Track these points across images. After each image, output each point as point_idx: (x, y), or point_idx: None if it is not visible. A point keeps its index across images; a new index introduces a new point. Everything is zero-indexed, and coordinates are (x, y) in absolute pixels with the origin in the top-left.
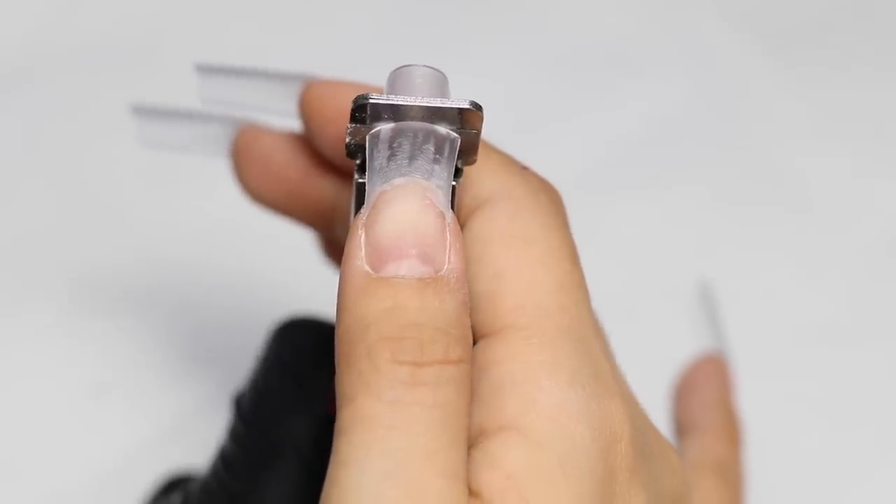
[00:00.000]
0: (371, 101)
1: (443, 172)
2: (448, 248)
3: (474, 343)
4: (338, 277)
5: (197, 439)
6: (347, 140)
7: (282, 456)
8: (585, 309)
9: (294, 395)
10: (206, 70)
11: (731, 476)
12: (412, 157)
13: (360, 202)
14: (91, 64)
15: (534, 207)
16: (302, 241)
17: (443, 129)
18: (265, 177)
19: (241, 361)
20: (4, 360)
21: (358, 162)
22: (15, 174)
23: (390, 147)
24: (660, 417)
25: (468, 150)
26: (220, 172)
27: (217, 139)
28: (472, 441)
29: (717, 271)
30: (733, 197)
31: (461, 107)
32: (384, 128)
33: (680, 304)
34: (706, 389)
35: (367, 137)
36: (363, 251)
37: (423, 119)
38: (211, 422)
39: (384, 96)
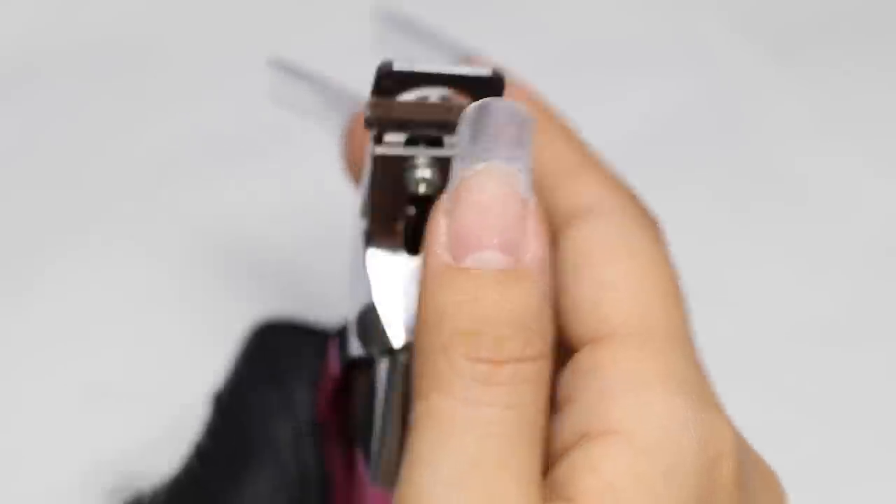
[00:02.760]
0: (396, 68)
1: (525, 156)
2: (530, 236)
3: (576, 350)
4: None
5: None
6: (368, 113)
7: (259, 455)
8: (688, 322)
9: (275, 395)
10: (277, 66)
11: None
12: (495, 139)
13: (375, 175)
14: (91, 63)
15: (637, 222)
16: (301, 240)
17: (523, 110)
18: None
19: None
20: (4, 360)
21: (374, 133)
22: (15, 173)
23: (473, 127)
24: None
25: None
26: (221, 172)
27: (338, 112)
28: (572, 443)
29: (717, 270)
30: (734, 197)
31: (485, 74)
32: (469, 107)
33: None
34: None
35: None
36: (444, 239)
37: (443, 86)
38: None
39: (408, 63)
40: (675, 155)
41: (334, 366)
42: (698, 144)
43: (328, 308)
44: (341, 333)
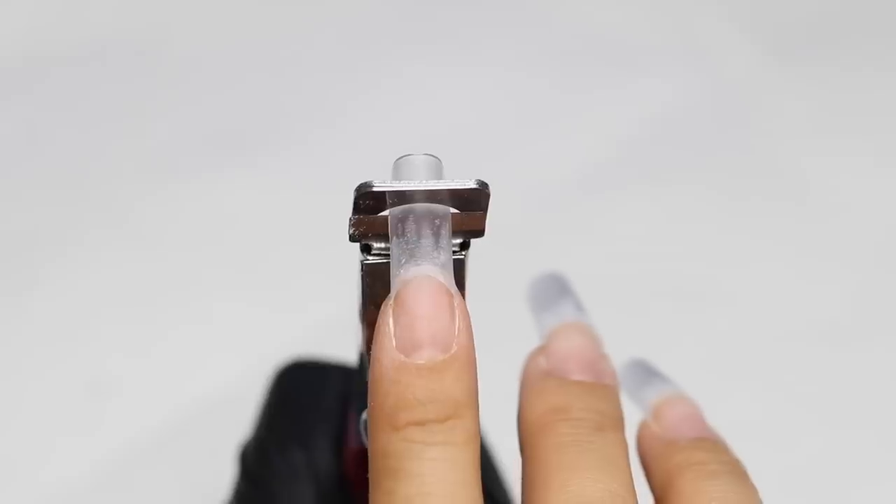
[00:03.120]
0: (375, 188)
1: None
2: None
3: None
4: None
5: (197, 439)
6: (351, 231)
7: None
8: None
9: (300, 456)
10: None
11: None
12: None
13: (366, 283)
14: (91, 64)
15: None
16: (304, 240)
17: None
18: None
19: (241, 360)
20: (4, 360)
21: (361, 244)
22: (15, 173)
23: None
24: None
25: (476, 226)
26: (221, 172)
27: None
28: None
29: (718, 270)
30: (736, 195)
31: (469, 187)
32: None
33: (681, 303)
34: None
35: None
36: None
37: (427, 201)
38: (211, 422)
39: (387, 183)
40: (676, 154)
41: (353, 439)
42: (699, 144)
43: (327, 307)
44: (359, 401)
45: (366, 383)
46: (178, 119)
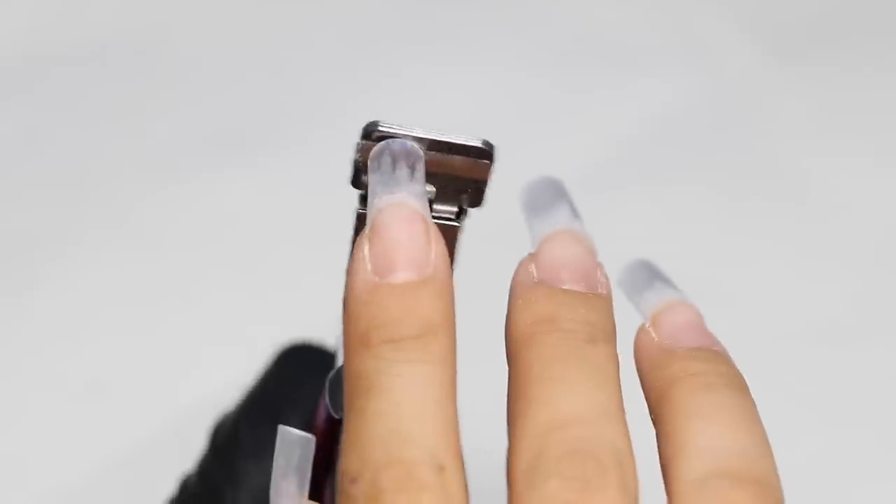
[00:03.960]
0: (381, 128)
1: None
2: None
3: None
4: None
5: (197, 439)
6: (356, 157)
7: (238, 499)
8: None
9: (268, 436)
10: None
11: None
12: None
13: (359, 230)
14: (91, 64)
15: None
16: (304, 240)
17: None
18: None
19: (241, 361)
20: (4, 360)
21: (360, 193)
22: (15, 173)
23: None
24: None
25: (476, 192)
26: (221, 172)
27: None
28: None
29: (718, 270)
30: (736, 195)
31: (474, 144)
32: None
33: None
34: None
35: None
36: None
37: (430, 153)
38: (211, 422)
39: (395, 126)
40: (676, 154)
41: (320, 418)
42: (699, 144)
43: (327, 307)
44: (331, 384)
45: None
46: (178, 119)
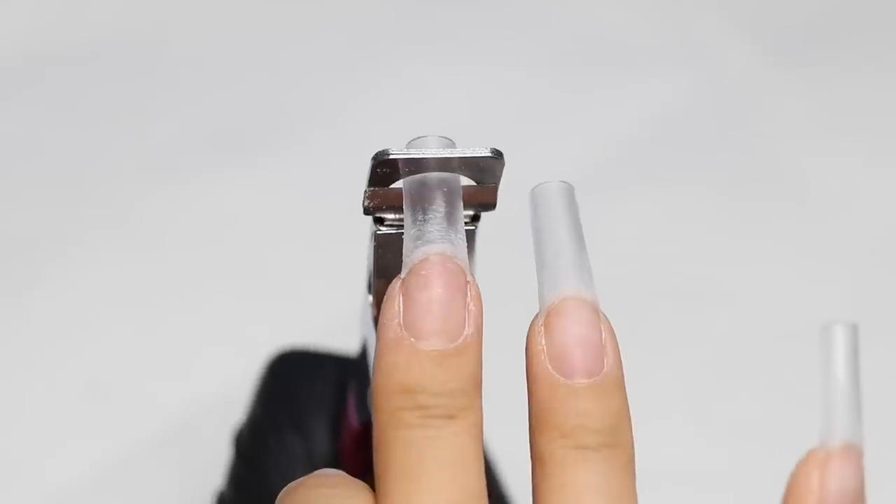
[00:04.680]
0: (392, 155)
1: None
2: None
3: None
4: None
5: (197, 440)
6: (366, 203)
7: None
8: None
9: (296, 441)
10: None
11: None
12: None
13: (377, 254)
14: (91, 64)
15: None
16: (303, 240)
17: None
18: None
19: (241, 361)
20: (4, 360)
21: (374, 217)
22: (15, 173)
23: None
24: (662, 410)
25: (487, 198)
26: (221, 172)
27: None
28: None
29: (718, 270)
30: (736, 195)
31: (483, 155)
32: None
33: (681, 303)
34: None
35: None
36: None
37: (441, 170)
38: (211, 422)
39: (405, 150)
40: (676, 154)
41: (354, 418)
42: (699, 144)
43: (327, 307)
44: (358, 379)
45: (365, 360)
46: (177, 119)
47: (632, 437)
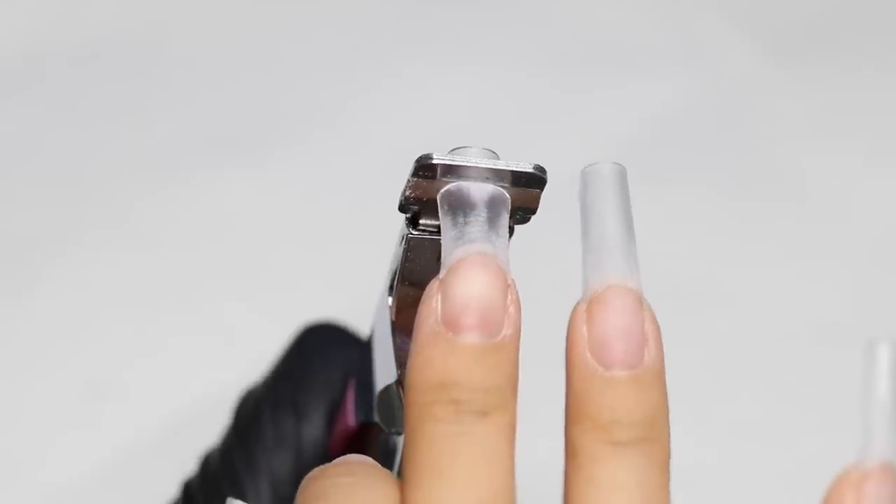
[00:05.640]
0: (435, 160)
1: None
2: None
3: None
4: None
5: (197, 440)
6: (407, 193)
7: (258, 484)
8: None
9: (290, 424)
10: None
11: None
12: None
13: (405, 256)
14: (91, 64)
15: None
16: (303, 240)
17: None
18: None
19: (241, 361)
20: (4, 360)
21: (408, 216)
22: (15, 173)
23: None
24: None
25: (525, 212)
26: (221, 172)
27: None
28: None
29: (718, 270)
30: (736, 195)
31: (526, 170)
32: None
33: (681, 303)
34: None
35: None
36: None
37: (484, 180)
38: (211, 422)
39: (449, 156)
40: (676, 154)
41: (350, 417)
42: (699, 144)
43: (327, 307)
44: (358, 377)
45: (371, 361)
46: (177, 119)
47: (669, 433)
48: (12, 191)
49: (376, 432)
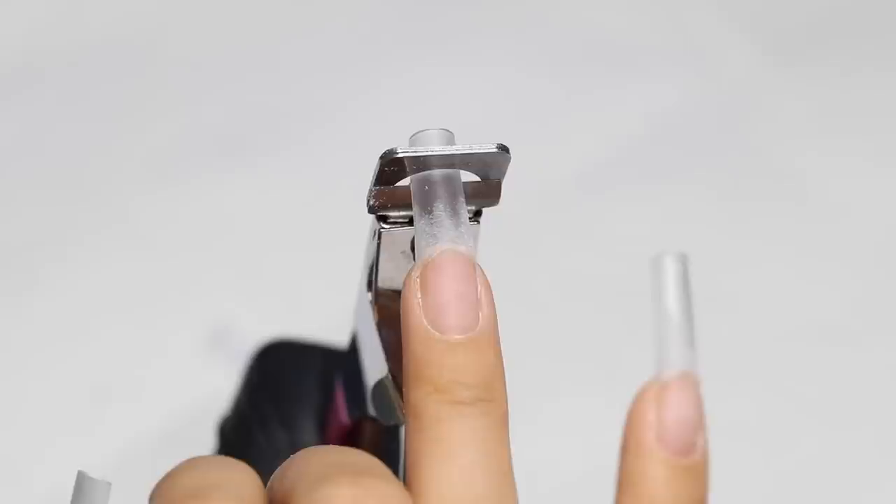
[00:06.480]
0: (399, 154)
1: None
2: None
3: None
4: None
5: (196, 440)
6: (371, 202)
7: None
8: None
9: (283, 436)
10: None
11: None
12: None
13: (378, 250)
14: (91, 65)
15: None
16: (303, 240)
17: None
18: None
19: (240, 361)
20: (4, 361)
21: (379, 214)
22: (15, 173)
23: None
24: None
25: (491, 194)
26: (221, 172)
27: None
28: None
29: (718, 270)
30: (736, 196)
31: (490, 150)
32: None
33: None
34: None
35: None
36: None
37: (447, 166)
38: (210, 422)
39: (411, 149)
40: (676, 154)
41: (343, 414)
42: (699, 144)
43: (327, 307)
44: (346, 375)
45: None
46: (177, 119)
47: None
48: (12, 191)
49: (372, 426)
